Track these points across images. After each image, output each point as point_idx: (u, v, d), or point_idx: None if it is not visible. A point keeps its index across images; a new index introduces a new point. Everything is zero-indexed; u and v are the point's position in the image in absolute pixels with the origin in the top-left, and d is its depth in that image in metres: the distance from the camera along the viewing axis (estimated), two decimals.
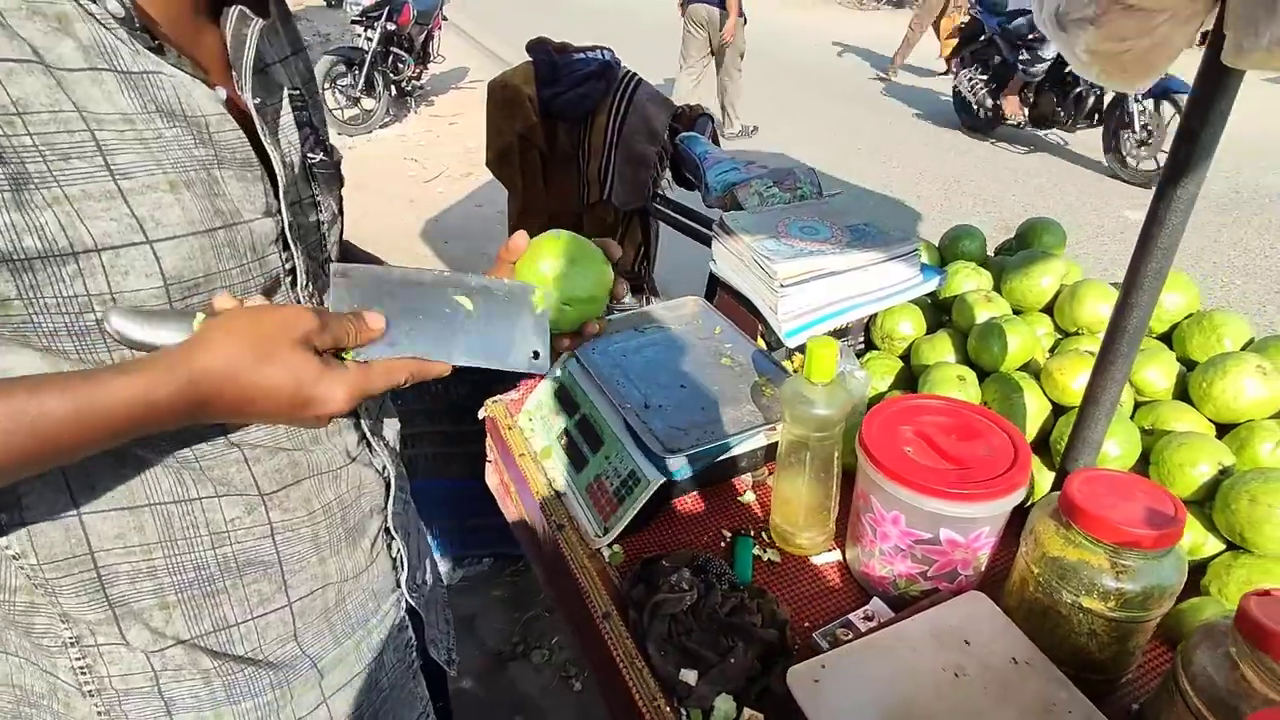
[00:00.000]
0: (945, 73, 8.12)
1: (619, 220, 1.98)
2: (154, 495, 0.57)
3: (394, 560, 0.77)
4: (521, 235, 0.72)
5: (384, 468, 0.73)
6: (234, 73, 0.57)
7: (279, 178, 0.59)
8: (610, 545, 0.94)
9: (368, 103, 6.24)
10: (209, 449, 0.59)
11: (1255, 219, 4.32)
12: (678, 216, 1.87)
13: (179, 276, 0.52)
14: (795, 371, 1.04)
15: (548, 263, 0.69)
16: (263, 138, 0.58)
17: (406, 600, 0.79)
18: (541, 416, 1.14)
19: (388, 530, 0.75)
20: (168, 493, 0.57)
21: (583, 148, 1.92)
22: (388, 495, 0.74)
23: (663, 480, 0.92)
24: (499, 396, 1.22)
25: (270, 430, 0.61)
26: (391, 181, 5.19)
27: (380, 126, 6.36)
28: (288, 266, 0.61)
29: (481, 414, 1.22)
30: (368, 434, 0.71)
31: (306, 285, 0.64)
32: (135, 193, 0.49)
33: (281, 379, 0.50)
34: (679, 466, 0.94)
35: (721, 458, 0.97)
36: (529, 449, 1.12)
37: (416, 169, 5.56)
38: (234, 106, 0.56)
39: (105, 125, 0.48)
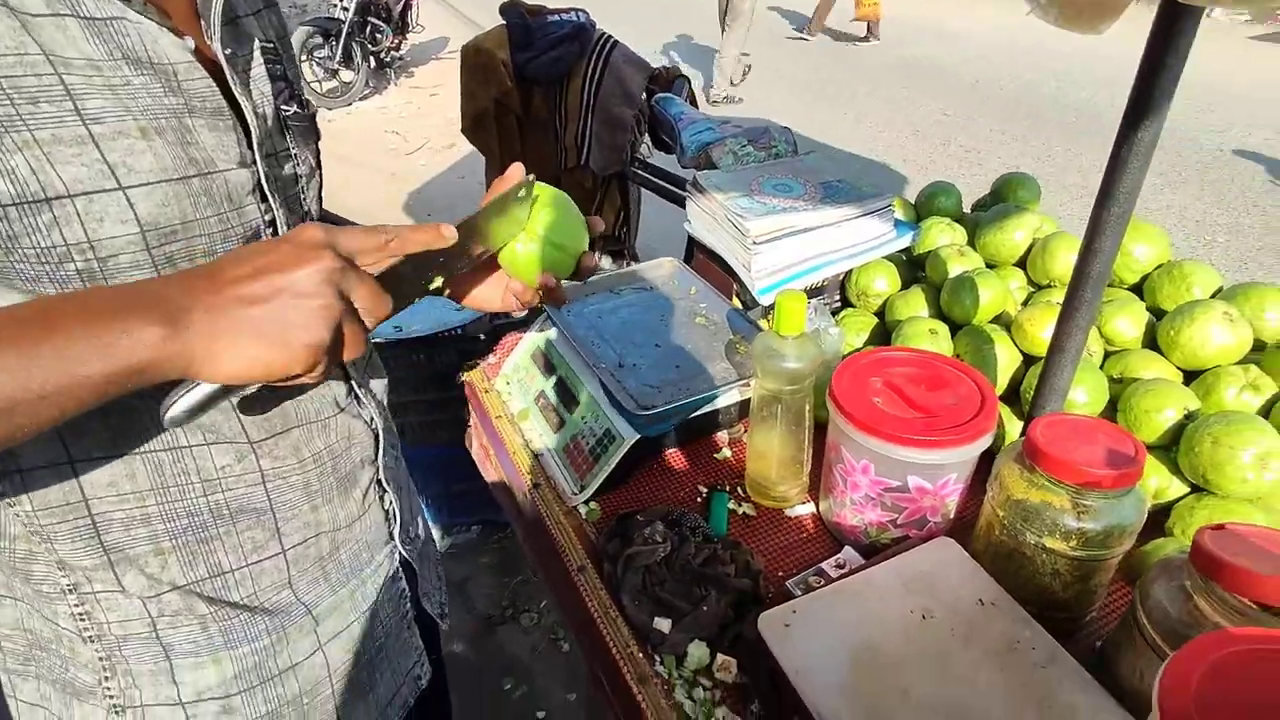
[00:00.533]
0: (864, 38, 7.74)
1: (598, 185, 1.96)
2: (144, 443, 0.57)
3: (386, 512, 0.78)
4: (518, 166, 0.72)
5: (372, 419, 0.73)
6: (202, 22, 0.56)
7: (252, 128, 0.58)
8: (587, 503, 0.95)
9: (346, 75, 6.12)
10: None
11: (1237, 179, 4.33)
12: (657, 180, 1.86)
13: (155, 223, 0.51)
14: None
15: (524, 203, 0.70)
16: (233, 87, 0.57)
17: (400, 553, 0.80)
18: (519, 380, 1.14)
19: (379, 483, 0.76)
20: (157, 440, 0.57)
21: (559, 112, 1.89)
22: (377, 447, 0.74)
23: (637, 438, 0.93)
24: (478, 361, 1.22)
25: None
26: (372, 154, 5.12)
27: (360, 99, 6.25)
28: (267, 219, 0.61)
29: (460, 378, 1.22)
30: (355, 386, 0.71)
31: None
32: (106, 139, 0.49)
33: (241, 249, 0.48)
34: (653, 424, 0.94)
35: (696, 414, 0.98)
36: (506, 411, 1.12)
37: (398, 141, 5.48)
38: (203, 57, 0.56)
39: (73, 70, 0.47)
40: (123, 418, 0.56)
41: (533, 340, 1.14)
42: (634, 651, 0.75)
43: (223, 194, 0.56)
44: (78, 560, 0.59)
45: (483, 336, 1.67)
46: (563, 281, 0.73)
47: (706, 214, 1.17)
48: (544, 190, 0.72)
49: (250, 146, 0.59)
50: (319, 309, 0.48)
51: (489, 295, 0.78)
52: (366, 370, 0.75)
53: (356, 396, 0.72)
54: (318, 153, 0.71)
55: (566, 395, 1.04)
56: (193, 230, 0.54)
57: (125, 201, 0.50)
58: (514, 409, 1.12)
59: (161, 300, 0.45)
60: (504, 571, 2.00)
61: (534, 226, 0.70)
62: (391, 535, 0.79)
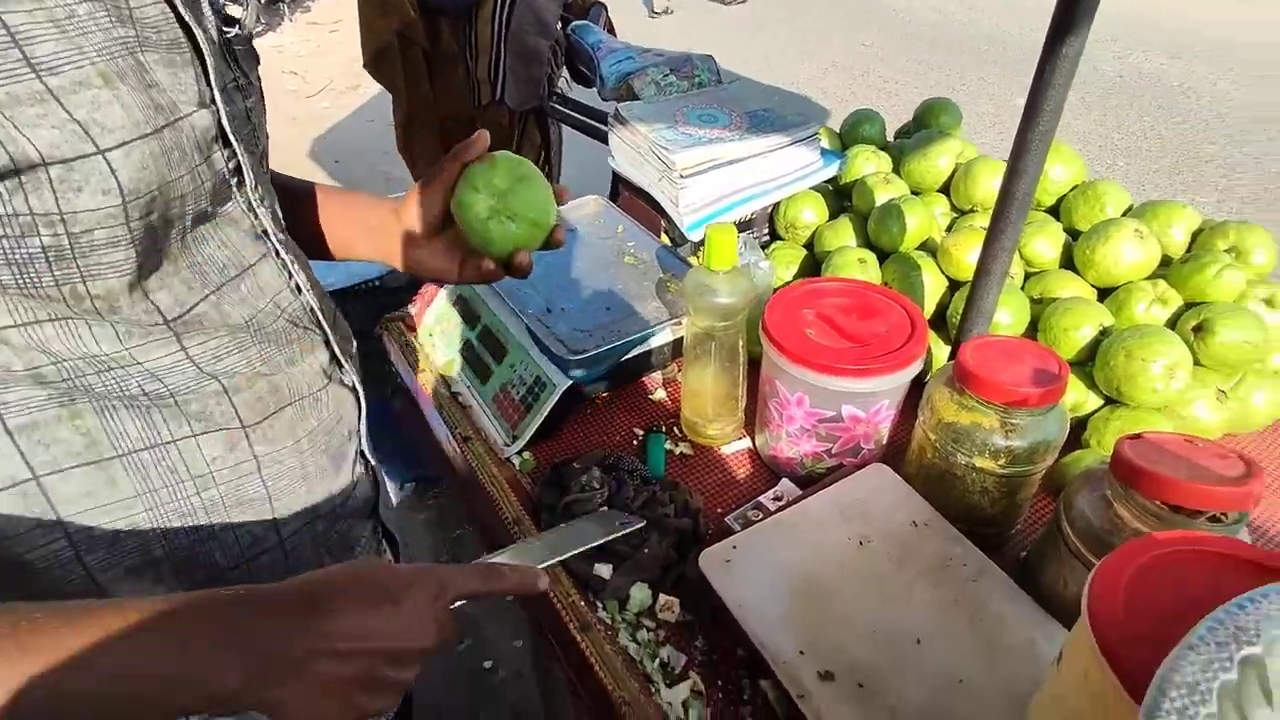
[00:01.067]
0: None
1: (515, 123, 1.86)
2: (121, 443, 0.49)
3: (372, 482, 0.72)
4: (485, 134, 0.67)
5: (354, 385, 0.67)
6: None
7: (208, 59, 0.49)
8: (520, 453, 0.92)
9: (233, 9, 5.59)
10: (183, 381, 0.51)
11: (1135, 102, 4.51)
12: (577, 116, 1.78)
13: (136, 190, 0.43)
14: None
15: (501, 174, 0.64)
16: (181, 10, 0.48)
17: (382, 523, 0.75)
18: (441, 331, 1.08)
19: (362, 452, 0.70)
20: (137, 438, 0.50)
21: (469, 45, 1.77)
22: (360, 414, 0.68)
23: (569, 384, 0.90)
24: (394, 313, 1.15)
25: (244, 352, 0.55)
26: (270, 97, 4.66)
27: (251, 37, 5.77)
28: (231, 165, 0.53)
29: (378, 331, 1.16)
30: (336, 349, 0.64)
31: (255, 187, 0.55)
32: (67, 92, 0.40)
33: (360, 578, 0.47)
34: (585, 369, 0.91)
35: (628, 357, 0.95)
36: (430, 364, 1.07)
37: (297, 83, 5.11)
38: None
39: (9, 5, 0.38)
40: (93, 417, 0.48)
41: (453, 289, 1.08)
42: (575, 600, 0.73)
43: (191, 144, 0.47)
44: (56, 588, 0.50)
45: (401, 287, 1.59)
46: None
47: (630, 147, 1.12)
48: (517, 161, 0.66)
49: (209, 83, 0.50)
50: (405, 685, 0.48)
51: (445, 265, 0.71)
52: (339, 328, 0.67)
53: (339, 363, 0.65)
54: (260, 80, 0.62)
55: (493, 344, 1.00)
56: (169, 193, 0.46)
57: (107, 167, 0.42)
58: (438, 361, 1.07)
59: (254, 647, 0.43)
60: (441, 528, 1.97)
61: (512, 202, 0.64)
62: (375, 508, 0.73)
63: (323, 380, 0.62)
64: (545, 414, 0.90)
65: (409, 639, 0.47)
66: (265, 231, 0.57)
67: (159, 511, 0.52)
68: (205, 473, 0.54)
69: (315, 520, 0.63)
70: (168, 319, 0.49)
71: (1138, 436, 0.64)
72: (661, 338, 0.97)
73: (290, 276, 0.59)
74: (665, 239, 1.13)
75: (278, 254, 0.58)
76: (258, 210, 0.56)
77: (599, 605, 0.74)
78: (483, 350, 1.00)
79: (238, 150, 0.53)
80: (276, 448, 0.58)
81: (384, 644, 0.46)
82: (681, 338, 0.96)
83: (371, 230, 0.73)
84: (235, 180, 0.54)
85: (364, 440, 0.70)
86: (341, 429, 0.65)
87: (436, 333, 1.09)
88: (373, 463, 0.72)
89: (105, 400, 0.48)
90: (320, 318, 0.62)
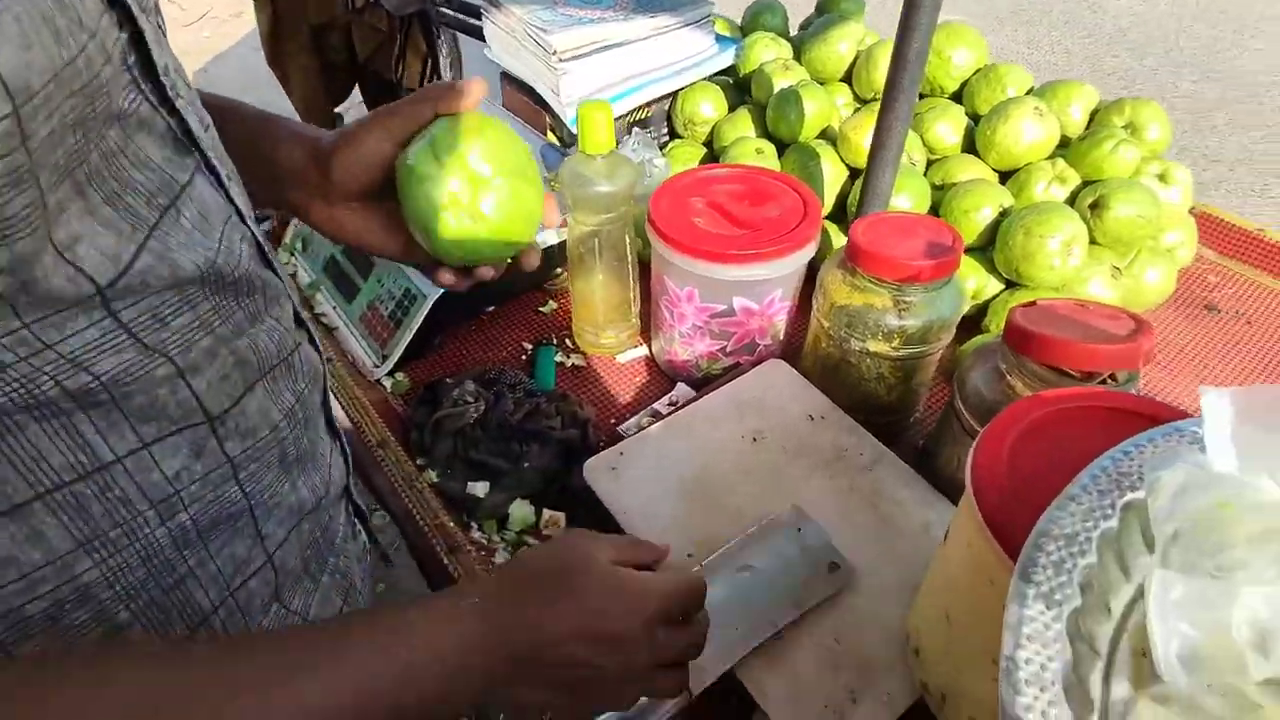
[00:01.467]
0: None
1: (397, 29, 1.70)
2: (40, 477, 0.35)
3: (343, 453, 0.58)
4: (481, 84, 0.51)
5: (311, 336, 0.53)
6: None
7: None
8: (392, 374, 0.84)
9: None
10: (119, 365, 0.36)
11: (1045, 18, 4.55)
12: (469, 20, 1.62)
13: (27, 86, 0.28)
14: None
15: (492, 156, 0.48)
16: None
17: (352, 498, 0.62)
18: (301, 250, 0.97)
19: (330, 422, 0.55)
20: (63, 466, 0.35)
21: None
22: (325, 373, 0.54)
23: (440, 293, 0.81)
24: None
25: (194, 309, 0.39)
26: None
27: None
28: (128, 35, 0.34)
29: None
30: (295, 303, 0.49)
31: (167, 70, 0.37)
32: None
33: (593, 593, 0.43)
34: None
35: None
36: (292, 286, 0.96)
37: (174, 11, 4.66)
38: None
39: None
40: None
41: None
42: (443, 521, 0.67)
43: (75, 6, 0.30)
44: None
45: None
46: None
47: (506, 33, 1.01)
48: (519, 149, 0.50)
49: None
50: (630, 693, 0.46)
51: (384, 242, 0.56)
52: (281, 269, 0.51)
53: (297, 314, 0.49)
54: None
55: (359, 259, 0.90)
56: (68, 85, 0.30)
57: None
58: (302, 282, 0.96)
59: (514, 648, 0.41)
60: None
61: (489, 203, 0.48)
62: (348, 487, 0.60)
63: (293, 341, 0.48)
64: (416, 329, 0.81)
65: (639, 647, 0.44)
66: (189, 133, 0.39)
67: (113, 561, 0.38)
68: (169, 495, 0.39)
69: (302, 521, 0.50)
70: (101, 286, 0.34)
71: (1031, 304, 0.60)
72: (544, 240, 0.89)
73: (230, 199, 0.43)
74: (551, 137, 1.04)
75: (208, 165, 0.41)
76: (175, 103, 0.38)
77: (474, 525, 0.68)
78: (348, 265, 0.90)
79: (134, 10, 0.34)
80: (253, 441, 0.44)
81: (618, 654, 0.43)
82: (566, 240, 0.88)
83: (279, 172, 0.54)
84: (136, 60, 0.35)
85: (331, 405, 0.56)
86: (314, 400, 0.51)
87: (297, 252, 0.98)
88: (340, 431, 0.58)
89: (3, 416, 0.33)
90: (269, 255, 0.46)
